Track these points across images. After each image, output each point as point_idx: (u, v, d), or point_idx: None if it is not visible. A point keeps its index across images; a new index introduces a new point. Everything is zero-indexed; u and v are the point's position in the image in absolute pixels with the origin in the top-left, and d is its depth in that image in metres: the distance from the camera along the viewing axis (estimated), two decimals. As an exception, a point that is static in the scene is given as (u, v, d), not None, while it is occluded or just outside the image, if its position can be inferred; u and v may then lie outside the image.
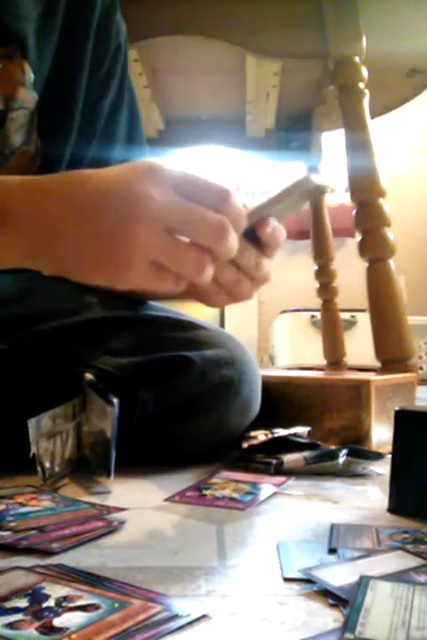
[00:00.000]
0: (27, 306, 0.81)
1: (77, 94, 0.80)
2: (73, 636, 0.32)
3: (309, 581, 0.41)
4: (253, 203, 0.54)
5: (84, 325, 0.81)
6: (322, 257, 1.85)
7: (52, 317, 0.80)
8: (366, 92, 1.22)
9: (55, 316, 0.80)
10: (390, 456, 0.60)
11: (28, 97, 0.74)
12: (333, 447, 0.78)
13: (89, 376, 0.73)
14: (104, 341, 0.79)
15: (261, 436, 0.80)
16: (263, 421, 0.84)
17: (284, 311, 2.93)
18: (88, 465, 0.72)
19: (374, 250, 1.19)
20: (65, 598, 0.37)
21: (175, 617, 0.35)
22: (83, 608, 0.35)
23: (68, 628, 0.33)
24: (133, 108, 0.89)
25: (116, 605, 0.36)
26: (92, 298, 0.84)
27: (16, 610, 0.35)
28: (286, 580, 0.42)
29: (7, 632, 0.33)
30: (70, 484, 0.68)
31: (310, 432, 0.84)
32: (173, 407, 0.77)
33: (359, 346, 1.95)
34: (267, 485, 0.67)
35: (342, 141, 1.24)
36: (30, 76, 0.73)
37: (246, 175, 3.22)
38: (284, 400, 0.93)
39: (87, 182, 0.49)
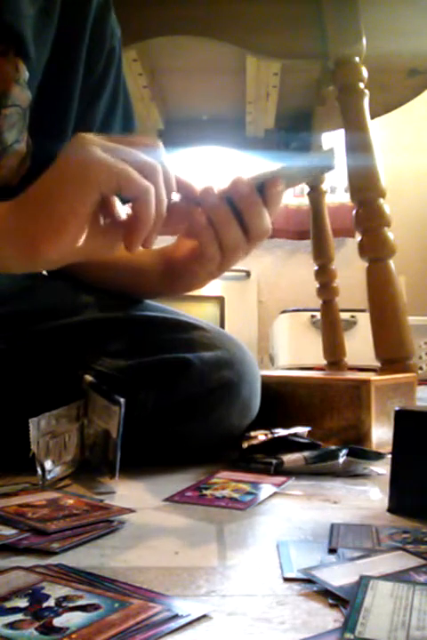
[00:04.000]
0: (24, 304, 0.81)
1: (72, 95, 0.80)
2: (73, 636, 0.32)
3: (309, 581, 0.41)
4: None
5: (81, 326, 0.80)
6: (322, 257, 1.85)
7: (49, 317, 0.80)
8: (366, 92, 1.22)
9: (53, 316, 0.80)
10: (390, 456, 0.60)
11: (21, 95, 0.73)
12: (333, 447, 0.78)
13: (89, 378, 0.73)
14: (102, 343, 0.79)
15: (261, 435, 0.80)
16: (263, 421, 0.84)
17: (284, 311, 2.93)
18: (89, 466, 0.72)
19: (374, 250, 1.19)
20: (65, 598, 0.37)
21: (175, 617, 0.35)
22: (83, 608, 0.35)
23: (68, 628, 0.33)
24: (128, 111, 0.89)
25: (116, 605, 0.36)
26: (91, 298, 0.84)
27: (16, 610, 0.35)
28: (286, 579, 0.42)
29: (7, 632, 0.33)
30: (74, 485, 0.68)
31: (310, 432, 0.84)
32: (173, 409, 0.77)
33: (359, 346, 1.96)
34: (267, 485, 0.67)
35: (342, 141, 1.24)
36: (25, 74, 0.73)
37: (246, 175, 3.22)
38: (284, 400, 0.93)
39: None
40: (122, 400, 0.66)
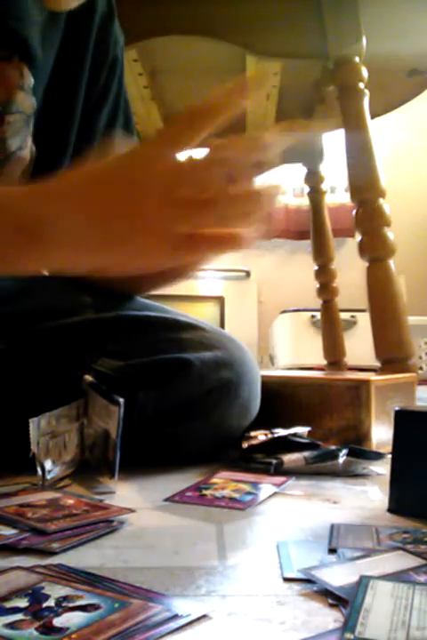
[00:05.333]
0: (24, 304, 0.81)
1: (76, 103, 0.80)
2: (73, 636, 0.32)
3: (309, 581, 0.41)
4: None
5: (81, 326, 0.80)
6: (322, 257, 1.85)
7: (49, 317, 0.80)
8: (366, 92, 1.22)
9: (53, 316, 0.80)
10: (390, 456, 0.60)
11: (26, 101, 0.73)
12: (333, 447, 0.78)
13: (89, 377, 0.73)
14: (101, 343, 0.79)
15: (261, 435, 0.80)
16: (263, 421, 0.84)
17: (284, 311, 2.93)
18: (89, 466, 0.72)
19: (374, 250, 1.19)
20: (65, 598, 0.37)
21: (175, 617, 0.35)
22: (83, 608, 0.35)
23: (68, 628, 0.33)
24: (128, 119, 0.89)
25: (116, 605, 0.36)
26: (90, 298, 0.84)
27: (16, 610, 0.35)
28: (286, 579, 0.42)
29: (7, 632, 0.33)
30: (74, 485, 0.68)
31: (310, 432, 0.84)
32: (172, 409, 0.77)
33: (359, 346, 1.95)
34: (267, 485, 0.67)
35: (342, 141, 1.24)
36: (30, 80, 0.73)
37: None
38: (284, 400, 0.93)
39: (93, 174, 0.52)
40: (121, 400, 0.66)
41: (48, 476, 0.66)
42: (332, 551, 0.47)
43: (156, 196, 0.49)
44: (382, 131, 2.80)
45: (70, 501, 0.58)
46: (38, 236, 0.50)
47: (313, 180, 1.85)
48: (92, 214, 0.50)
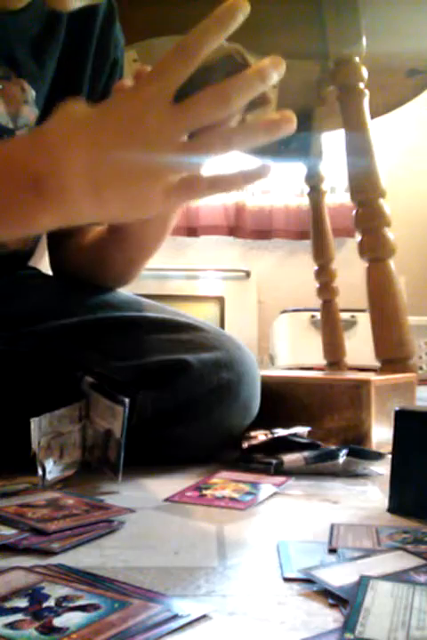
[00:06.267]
0: (24, 304, 0.81)
1: None
2: (73, 636, 0.32)
3: (309, 581, 0.41)
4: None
5: (80, 327, 0.80)
6: (322, 257, 1.85)
7: (48, 318, 0.80)
8: (366, 92, 1.22)
9: (53, 316, 0.80)
10: (390, 456, 0.60)
11: (30, 114, 0.76)
12: (333, 447, 0.78)
13: (90, 379, 0.73)
14: (101, 344, 0.79)
15: (261, 435, 0.80)
16: (263, 421, 0.84)
17: (284, 311, 2.93)
18: (90, 467, 0.72)
19: (374, 250, 1.19)
20: (65, 598, 0.37)
21: (175, 617, 0.35)
22: (83, 608, 0.35)
23: (68, 628, 0.33)
24: None
25: (116, 605, 0.36)
26: (90, 298, 0.84)
27: (16, 610, 0.35)
28: (286, 580, 0.42)
29: (7, 632, 0.33)
30: (74, 485, 0.68)
31: (310, 432, 0.84)
32: (172, 410, 0.77)
33: (359, 346, 1.95)
34: (267, 485, 0.67)
35: (342, 141, 1.24)
36: (32, 93, 0.76)
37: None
38: (284, 400, 0.93)
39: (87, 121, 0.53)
40: (126, 400, 0.66)
41: (48, 476, 0.66)
42: (332, 551, 0.47)
43: (155, 134, 0.49)
44: (382, 131, 2.80)
45: (70, 501, 0.58)
46: (45, 187, 0.51)
47: (313, 180, 1.85)
48: (95, 157, 0.51)
